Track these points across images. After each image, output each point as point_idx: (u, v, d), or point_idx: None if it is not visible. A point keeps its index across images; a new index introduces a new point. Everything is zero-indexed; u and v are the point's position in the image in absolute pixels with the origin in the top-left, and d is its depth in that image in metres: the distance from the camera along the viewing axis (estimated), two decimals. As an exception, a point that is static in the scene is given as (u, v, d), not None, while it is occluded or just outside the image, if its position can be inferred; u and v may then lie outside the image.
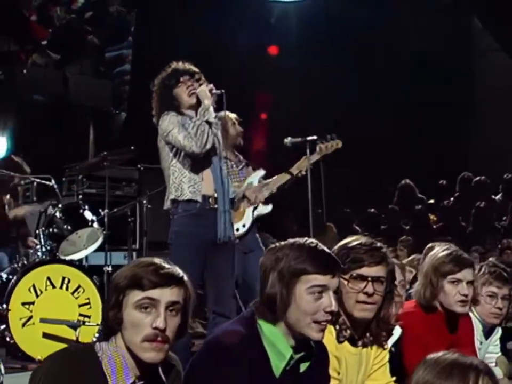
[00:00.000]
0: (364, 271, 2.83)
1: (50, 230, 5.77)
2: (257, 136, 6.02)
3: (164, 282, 2.25)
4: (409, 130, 11.53)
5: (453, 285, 3.53)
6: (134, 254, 7.43)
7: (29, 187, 8.13)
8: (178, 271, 2.34)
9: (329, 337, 2.77)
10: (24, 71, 9.52)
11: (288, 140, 5.72)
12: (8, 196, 6.54)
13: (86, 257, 6.46)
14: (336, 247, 2.93)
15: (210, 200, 4.64)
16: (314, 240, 2.56)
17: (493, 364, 4.07)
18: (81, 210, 5.94)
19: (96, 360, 2.23)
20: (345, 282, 2.83)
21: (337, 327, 2.85)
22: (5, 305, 5.18)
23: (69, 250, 5.94)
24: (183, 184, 4.62)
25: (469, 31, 12.10)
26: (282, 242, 2.58)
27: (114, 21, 10.91)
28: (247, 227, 5.74)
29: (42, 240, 5.70)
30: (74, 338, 5.10)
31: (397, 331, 3.45)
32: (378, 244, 2.92)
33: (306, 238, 2.57)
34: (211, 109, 4.60)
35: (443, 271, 3.54)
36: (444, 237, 8.62)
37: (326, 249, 2.53)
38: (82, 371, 2.19)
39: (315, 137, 5.65)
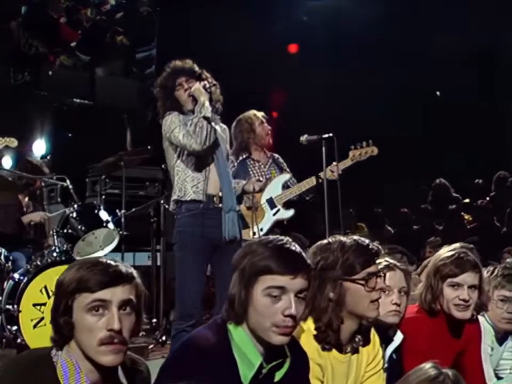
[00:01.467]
0: (373, 268, 2.74)
1: (65, 230, 5.75)
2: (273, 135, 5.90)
3: (113, 282, 2.14)
4: (445, 129, 11.23)
5: (453, 289, 3.33)
6: (158, 254, 7.37)
7: (53, 188, 8.23)
8: (127, 267, 2.22)
9: (311, 343, 2.63)
10: (50, 72, 9.55)
11: (304, 138, 5.56)
12: (27, 199, 6.53)
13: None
14: (328, 251, 2.78)
15: (215, 199, 4.53)
16: (287, 239, 2.41)
17: (507, 371, 3.85)
18: (96, 211, 5.91)
19: (51, 366, 2.14)
20: (357, 284, 2.70)
21: (324, 332, 2.70)
22: (15, 306, 5.17)
23: (86, 250, 5.91)
24: (186, 184, 4.54)
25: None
26: (256, 239, 2.45)
27: (144, 22, 10.89)
28: (265, 230, 5.59)
29: (56, 241, 5.69)
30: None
31: (398, 337, 3.29)
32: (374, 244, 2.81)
33: (278, 236, 2.42)
34: (207, 104, 4.49)
35: (443, 273, 3.35)
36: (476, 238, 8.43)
37: (294, 248, 2.36)
38: (37, 378, 2.10)
39: (331, 134, 5.47)
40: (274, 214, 5.63)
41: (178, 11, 9.93)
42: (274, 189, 5.67)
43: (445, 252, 3.44)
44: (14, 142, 5.32)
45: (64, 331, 2.15)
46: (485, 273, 3.87)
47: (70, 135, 9.38)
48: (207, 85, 4.61)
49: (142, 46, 11.12)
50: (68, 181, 6.03)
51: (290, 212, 5.69)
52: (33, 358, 2.18)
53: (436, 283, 3.37)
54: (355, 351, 2.79)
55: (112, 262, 2.21)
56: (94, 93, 9.71)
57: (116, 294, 2.14)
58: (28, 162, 6.73)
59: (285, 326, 2.28)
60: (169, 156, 4.68)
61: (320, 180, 5.59)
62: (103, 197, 7.47)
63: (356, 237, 2.79)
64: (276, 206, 5.63)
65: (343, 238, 2.79)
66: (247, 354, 2.30)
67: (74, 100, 9.75)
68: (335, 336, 2.68)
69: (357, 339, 2.79)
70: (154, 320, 6.64)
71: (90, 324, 2.13)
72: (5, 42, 9.59)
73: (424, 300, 3.41)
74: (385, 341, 3.25)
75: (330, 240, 2.82)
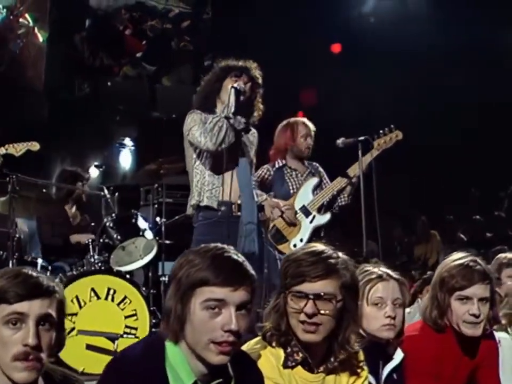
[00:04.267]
0: (305, 287, 2.40)
1: (101, 240, 5.72)
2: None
3: (32, 294, 1.99)
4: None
5: (461, 303, 2.97)
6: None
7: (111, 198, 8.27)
8: (49, 280, 2.05)
9: (269, 360, 2.39)
10: (109, 83, 9.66)
11: (340, 141, 5.31)
12: (74, 208, 6.54)
13: (147, 267, 6.39)
14: (284, 258, 2.54)
15: (233, 207, 4.33)
16: (228, 247, 2.18)
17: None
18: (133, 220, 5.85)
19: None
20: (286, 300, 2.43)
21: (289, 349, 2.45)
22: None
23: (124, 260, 5.87)
24: (204, 187, 4.37)
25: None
26: (195, 248, 2.23)
27: (208, 29, 10.87)
28: (305, 241, 5.33)
29: (91, 250, 5.66)
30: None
31: (398, 355, 2.99)
32: (328, 253, 2.46)
33: (218, 244, 2.21)
34: (231, 103, 4.29)
35: (449, 286, 3.00)
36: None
37: (235, 257, 2.13)
38: None
39: (367, 136, 5.20)
40: (311, 222, 5.37)
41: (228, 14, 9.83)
42: (305, 195, 5.41)
43: (451, 261, 3.10)
44: (36, 146, 5.28)
45: None
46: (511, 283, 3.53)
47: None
48: (241, 87, 4.41)
49: (209, 52, 11.09)
50: (105, 191, 6.01)
51: (327, 216, 5.42)
52: None
53: (443, 297, 3.03)
54: (330, 371, 2.51)
55: (34, 274, 2.06)
56: (155, 103, 9.74)
57: (33, 307, 2.00)
58: (65, 172, 6.74)
59: (224, 343, 2.06)
60: (188, 156, 4.52)
61: (352, 178, 5.30)
62: (155, 206, 7.42)
63: (317, 247, 2.51)
64: (310, 213, 5.36)
65: (308, 245, 2.54)
66: (180, 374, 2.09)
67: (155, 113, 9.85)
68: (297, 350, 2.42)
69: (332, 358, 2.51)
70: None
71: (6, 337, 1.98)
72: (69, 56, 9.75)
73: (429, 315, 3.07)
74: (384, 358, 2.97)
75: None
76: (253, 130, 4.68)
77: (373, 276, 2.96)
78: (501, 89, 9.52)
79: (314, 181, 5.49)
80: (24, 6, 8.79)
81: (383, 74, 9.75)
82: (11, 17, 8.70)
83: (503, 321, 3.38)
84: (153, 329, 5.40)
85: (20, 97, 9.20)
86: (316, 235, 5.41)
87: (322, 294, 2.37)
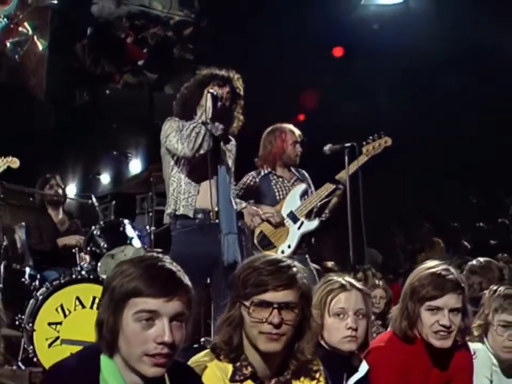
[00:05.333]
0: (268, 296, 2.34)
1: (88, 248, 5.69)
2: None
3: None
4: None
5: (431, 313, 2.88)
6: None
7: (107, 206, 8.26)
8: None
9: (215, 374, 2.32)
10: (107, 91, 9.65)
11: (327, 148, 5.27)
12: (60, 215, 6.51)
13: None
14: (239, 266, 2.47)
15: (211, 214, 4.26)
16: (164, 257, 2.12)
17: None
18: (121, 228, 5.81)
19: None
20: (247, 310, 2.36)
21: (238, 363, 2.37)
22: (31, 325, 5.12)
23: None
24: (180, 196, 4.30)
25: None
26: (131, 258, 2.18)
27: (208, 35, 10.82)
28: (293, 247, 5.26)
29: (78, 258, 5.63)
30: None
31: (363, 367, 2.91)
32: (288, 262, 2.41)
33: (154, 254, 2.15)
34: (208, 110, 4.24)
35: (420, 295, 2.91)
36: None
37: (168, 266, 2.07)
38: None
39: (354, 143, 5.13)
40: (299, 228, 5.29)
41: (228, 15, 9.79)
42: (292, 202, 5.34)
43: (423, 269, 3.01)
44: (16, 162, 5.22)
45: None
46: (487, 293, 3.42)
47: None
48: (218, 92, 4.34)
49: (210, 59, 11.04)
50: (93, 199, 5.97)
51: (315, 222, 5.33)
52: None
53: (413, 306, 2.94)
54: (283, 384, 2.44)
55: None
56: (153, 111, 9.70)
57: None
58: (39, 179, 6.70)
59: (158, 355, 2.00)
60: (165, 163, 4.46)
61: (339, 185, 5.22)
62: (150, 214, 7.37)
63: (274, 256, 2.45)
64: (298, 219, 5.29)
65: (263, 254, 2.47)
66: None
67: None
68: (246, 364, 2.35)
69: (285, 372, 2.44)
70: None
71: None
72: (70, 64, 9.77)
73: (399, 326, 2.98)
74: (348, 370, 2.89)
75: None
76: (231, 139, 4.62)
77: (335, 286, 2.89)
78: (505, 94, 9.40)
79: (302, 187, 5.42)
80: (23, 15, 8.81)
81: (385, 78, 9.68)
82: (11, 25, 8.72)
83: (476, 333, 3.28)
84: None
85: (22, 106, 9.24)
86: (305, 241, 5.34)
87: (286, 303, 2.32)
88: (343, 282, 2.88)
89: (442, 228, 10.00)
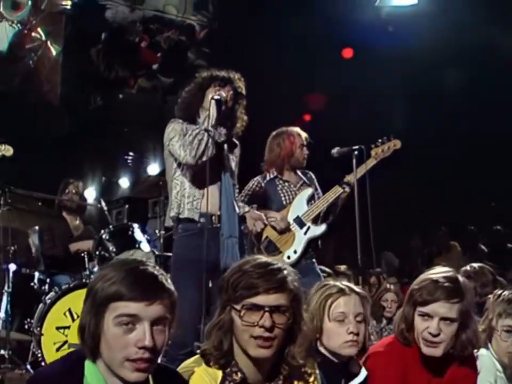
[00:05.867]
0: (259, 299, 2.31)
1: (97, 252, 5.68)
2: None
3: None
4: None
5: (422, 319, 2.81)
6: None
7: (121, 210, 8.29)
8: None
9: (203, 379, 2.28)
10: (120, 96, 9.67)
11: (335, 151, 5.22)
12: (76, 221, 6.51)
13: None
14: (229, 270, 2.43)
15: (213, 218, 4.22)
16: (146, 260, 2.11)
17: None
18: (130, 232, 5.80)
19: None
20: (238, 313, 2.32)
21: (228, 369, 2.34)
22: (38, 329, 5.13)
23: (123, 273, 5.81)
24: (184, 199, 4.26)
25: None
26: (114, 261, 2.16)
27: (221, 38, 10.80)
28: (299, 253, 5.18)
29: (86, 262, 5.63)
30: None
31: (362, 373, 2.86)
32: (278, 265, 2.37)
33: (136, 258, 2.13)
34: (212, 116, 4.20)
35: (414, 299, 2.85)
36: None
37: (150, 270, 2.05)
38: None
39: (362, 146, 5.07)
40: (305, 233, 5.23)
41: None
42: (299, 206, 5.27)
43: (427, 274, 2.94)
44: (9, 151, 5.18)
45: None
46: (491, 298, 3.35)
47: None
48: (222, 96, 4.29)
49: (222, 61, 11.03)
50: (102, 203, 5.97)
51: (323, 227, 5.26)
52: None
53: (408, 310, 2.89)
54: (274, 390, 2.40)
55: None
56: (166, 115, 9.68)
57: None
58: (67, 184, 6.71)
59: (140, 360, 1.98)
60: (168, 166, 4.42)
61: (345, 187, 5.16)
62: (162, 218, 7.36)
63: (263, 259, 2.41)
64: (305, 224, 5.23)
65: (252, 258, 2.43)
66: None
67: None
68: (236, 370, 2.32)
69: (277, 378, 2.40)
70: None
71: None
72: (84, 69, 9.80)
73: (397, 329, 2.94)
74: (345, 376, 2.84)
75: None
76: (235, 142, 4.58)
77: (334, 290, 2.85)
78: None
79: (308, 191, 5.35)
80: (37, 20, 8.86)
81: (395, 81, 9.60)
82: (24, 31, 8.78)
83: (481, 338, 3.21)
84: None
85: (36, 111, 9.28)
86: (311, 247, 5.28)
87: (278, 306, 2.29)
88: (342, 286, 2.84)
89: (459, 231, 9.90)
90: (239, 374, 2.33)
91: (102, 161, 9.22)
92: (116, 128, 9.26)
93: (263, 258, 2.42)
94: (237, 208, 4.34)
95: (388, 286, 6.57)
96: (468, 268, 5.00)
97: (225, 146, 4.41)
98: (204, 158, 4.15)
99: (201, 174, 4.25)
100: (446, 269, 2.97)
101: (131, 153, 9.26)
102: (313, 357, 2.54)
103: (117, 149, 9.14)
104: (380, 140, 5.30)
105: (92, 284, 2.09)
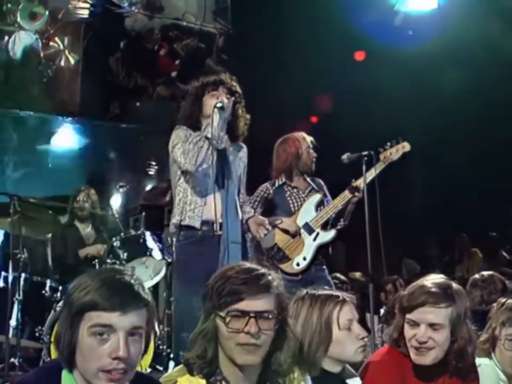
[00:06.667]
0: (244, 305, 2.26)
1: (108, 260, 5.68)
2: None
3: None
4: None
5: (410, 327, 2.75)
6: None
7: (138, 217, 8.28)
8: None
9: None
10: (138, 103, 9.69)
11: (345, 157, 5.19)
12: (89, 228, 6.52)
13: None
14: (212, 277, 2.39)
15: (215, 226, 4.19)
16: (124, 270, 2.08)
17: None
18: (141, 240, 5.80)
19: None
20: (223, 320, 2.28)
21: (212, 378, 2.30)
22: (48, 337, 5.14)
23: (135, 280, 5.80)
24: (186, 206, 4.26)
25: None
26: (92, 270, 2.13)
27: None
28: (308, 259, 5.14)
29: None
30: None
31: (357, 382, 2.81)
32: (262, 270, 2.33)
33: (115, 267, 2.11)
34: (213, 124, 4.18)
35: (401, 305, 2.80)
36: None
37: (126, 279, 2.02)
38: None
39: (371, 151, 5.03)
40: (314, 239, 5.18)
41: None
42: (307, 212, 5.22)
43: (418, 281, 2.88)
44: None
45: None
46: (494, 306, 3.27)
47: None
48: (224, 103, 4.27)
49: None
50: (113, 210, 5.97)
51: (332, 233, 5.21)
52: None
53: (399, 319, 2.83)
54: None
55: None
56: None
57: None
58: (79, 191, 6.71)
59: (114, 370, 1.95)
60: (172, 173, 4.44)
61: (355, 193, 5.10)
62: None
63: (247, 265, 2.37)
64: (314, 231, 5.18)
65: (236, 264, 2.39)
66: None
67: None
68: (220, 379, 2.28)
69: None
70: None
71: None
72: (104, 77, 9.85)
73: (392, 338, 2.87)
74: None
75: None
76: (242, 146, 4.56)
77: (339, 299, 2.80)
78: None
79: (317, 197, 5.30)
80: (54, 29, 8.92)
81: (409, 84, 9.51)
82: (42, 41, 8.84)
83: (483, 347, 3.13)
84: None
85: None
86: (321, 253, 5.23)
87: (263, 311, 2.25)
88: (338, 294, 2.80)
89: (480, 238, 9.74)
90: (224, 383, 2.29)
91: (118, 169, 9.26)
92: (132, 136, 9.30)
93: (247, 264, 2.38)
94: (240, 214, 4.31)
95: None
96: (477, 276, 4.93)
97: (229, 152, 4.39)
98: (204, 165, 4.16)
99: (204, 181, 4.26)
100: (439, 276, 2.92)
101: (152, 162, 9.27)
102: (299, 364, 2.50)
103: (134, 156, 9.15)
104: (388, 143, 5.26)
105: (68, 292, 2.07)
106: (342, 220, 5.24)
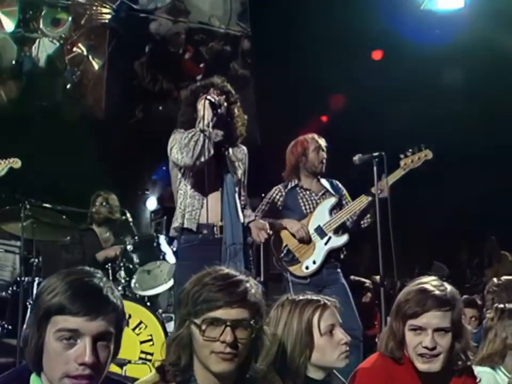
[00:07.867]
0: (220, 313, 2.20)
1: (121, 264, 5.68)
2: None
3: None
4: None
5: (414, 334, 2.64)
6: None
7: (160, 221, 8.29)
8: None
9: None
10: (160, 108, 9.69)
11: (356, 158, 5.11)
12: (106, 233, 6.52)
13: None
14: (187, 282, 2.33)
15: (215, 229, 4.16)
16: (94, 271, 2.03)
17: None
18: (154, 243, 5.79)
19: None
20: (198, 328, 2.22)
21: None
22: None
23: (149, 284, 5.80)
24: (186, 209, 4.24)
25: None
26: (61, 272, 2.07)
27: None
28: (318, 263, 5.08)
29: (110, 274, 5.64)
30: (123, 377, 4.90)
31: (345, 390, 2.73)
32: (239, 277, 2.27)
33: (84, 268, 2.06)
34: (205, 117, 4.15)
35: (403, 312, 2.69)
36: None
37: (95, 282, 1.97)
38: None
39: (382, 153, 4.92)
40: (326, 243, 5.10)
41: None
42: (321, 216, 5.15)
43: (413, 285, 2.78)
44: (17, 163, 5.13)
45: None
46: (496, 316, 3.15)
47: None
48: (215, 99, 4.25)
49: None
50: (128, 214, 5.97)
51: (344, 238, 5.14)
52: None
53: (398, 326, 2.72)
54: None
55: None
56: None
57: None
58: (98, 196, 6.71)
59: (80, 376, 1.91)
60: (173, 177, 4.44)
61: (370, 198, 5.00)
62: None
63: (225, 271, 2.30)
64: (326, 234, 5.10)
65: (213, 269, 2.33)
66: None
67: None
68: None
69: None
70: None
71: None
72: (129, 82, 9.88)
73: (385, 346, 2.77)
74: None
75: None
76: (242, 147, 4.51)
77: (319, 304, 2.74)
78: None
79: (331, 200, 5.22)
80: (77, 35, 8.98)
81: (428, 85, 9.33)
82: (66, 47, 8.91)
83: (488, 358, 3.01)
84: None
85: (80, 125, 9.38)
86: (333, 257, 5.14)
87: (239, 320, 2.19)
88: (319, 298, 2.73)
89: (510, 241, 9.49)
90: None
91: (137, 173, 9.27)
92: (154, 140, 9.28)
93: (224, 269, 2.32)
94: (241, 217, 4.27)
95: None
96: (494, 280, 4.78)
97: (227, 153, 4.36)
98: (202, 159, 4.12)
99: (202, 184, 4.24)
100: (432, 277, 2.82)
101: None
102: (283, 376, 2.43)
103: (155, 161, 9.14)
104: (410, 150, 5.15)
105: (37, 293, 2.04)
106: (366, 217, 5.16)
